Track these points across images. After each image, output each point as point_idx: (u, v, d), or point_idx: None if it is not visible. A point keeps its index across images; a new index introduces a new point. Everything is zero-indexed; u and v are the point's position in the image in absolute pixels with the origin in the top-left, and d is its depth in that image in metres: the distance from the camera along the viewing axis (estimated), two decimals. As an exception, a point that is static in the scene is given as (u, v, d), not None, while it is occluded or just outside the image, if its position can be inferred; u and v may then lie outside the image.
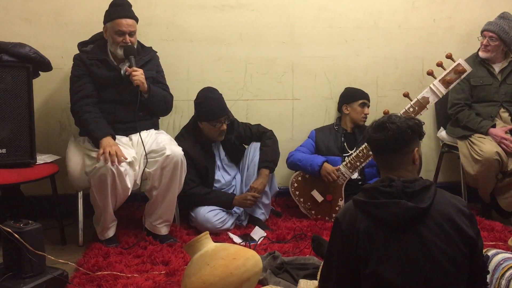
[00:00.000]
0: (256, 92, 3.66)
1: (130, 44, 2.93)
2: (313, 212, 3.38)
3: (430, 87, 3.16)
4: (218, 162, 3.31)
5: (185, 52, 3.51)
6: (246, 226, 3.21)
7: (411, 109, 3.15)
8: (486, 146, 3.24)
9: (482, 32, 3.47)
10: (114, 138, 2.82)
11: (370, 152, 3.08)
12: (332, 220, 3.03)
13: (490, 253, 2.08)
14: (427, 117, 3.75)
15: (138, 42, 3.09)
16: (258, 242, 2.90)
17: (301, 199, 3.39)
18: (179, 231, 3.09)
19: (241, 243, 2.89)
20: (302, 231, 3.09)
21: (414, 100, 3.16)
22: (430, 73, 3.17)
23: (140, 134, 2.93)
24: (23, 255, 2.17)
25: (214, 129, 3.15)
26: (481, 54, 3.48)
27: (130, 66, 2.92)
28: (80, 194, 2.97)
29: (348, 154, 3.39)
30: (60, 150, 3.20)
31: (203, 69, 3.55)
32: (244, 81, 3.63)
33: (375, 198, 1.61)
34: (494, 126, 3.35)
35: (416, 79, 3.79)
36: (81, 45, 3.05)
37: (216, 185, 3.27)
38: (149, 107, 3.03)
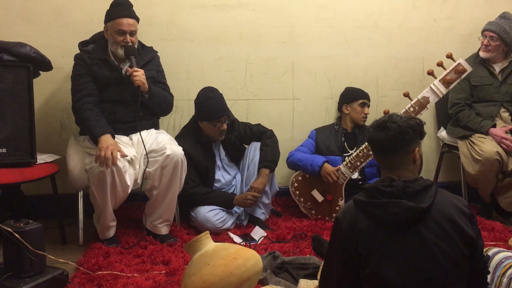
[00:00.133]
0: (256, 91, 3.66)
1: (130, 44, 2.93)
2: (313, 212, 3.38)
3: (431, 87, 3.16)
4: (218, 162, 3.31)
5: (186, 52, 3.51)
6: (246, 226, 3.21)
7: (412, 109, 3.15)
8: (487, 146, 3.24)
9: (482, 32, 3.47)
10: (113, 137, 2.82)
11: (371, 152, 3.09)
12: (332, 220, 3.03)
13: (491, 252, 2.09)
14: (427, 117, 3.76)
15: (139, 42, 3.09)
16: (258, 242, 2.90)
17: (301, 199, 3.39)
18: (179, 230, 3.09)
19: (241, 243, 2.89)
20: (302, 231, 3.09)
21: (415, 100, 3.16)
22: (431, 73, 3.17)
23: (140, 134, 2.93)
24: (24, 255, 2.17)
25: (215, 128, 3.15)
26: (481, 54, 3.48)
27: (131, 66, 2.92)
28: (81, 194, 2.97)
29: (349, 154, 3.39)
30: (60, 149, 3.20)
31: (203, 69, 3.55)
32: (244, 81, 3.63)
33: (375, 198, 1.61)
34: (494, 126, 3.35)
35: (417, 79, 3.79)
36: (82, 44, 3.05)
37: (216, 184, 3.27)
38: (149, 107, 3.03)
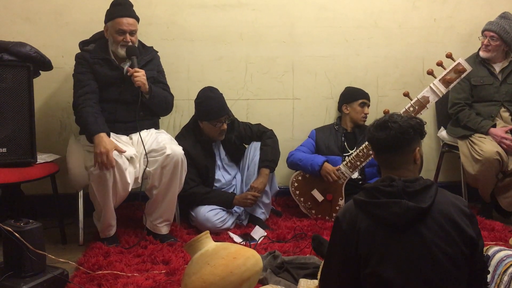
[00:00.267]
0: (256, 91, 3.66)
1: (131, 43, 2.93)
2: (313, 211, 3.38)
3: (430, 87, 3.16)
4: (219, 162, 3.31)
5: (186, 52, 3.51)
6: (247, 226, 3.21)
7: (411, 109, 3.15)
8: (487, 146, 3.24)
9: (483, 32, 3.47)
10: (109, 136, 2.80)
11: (371, 152, 3.09)
12: (333, 219, 3.03)
13: (492, 250, 2.09)
14: (427, 117, 3.76)
15: (139, 41, 3.09)
16: (259, 242, 2.90)
17: (302, 199, 3.39)
18: (179, 230, 3.09)
19: (242, 243, 2.89)
20: (302, 230, 3.09)
21: (414, 100, 3.16)
22: (430, 73, 3.17)
23: (140, 134, 2.93)
24: (24, 254, 2.17)
25: (215, 128, 3.15)
26: (481, 53, 3.48)
27: (132, 67, 2.92)
28: (81, 193, 2.97)
29: (349, 153, 3.39)
30: (60, 149, 3.20)
31: (203, 69, 3.55)
32: (244, 81, 3.63)
33: (375, 198, 1.61)
34: (494, 126, 3.35)
35: (417, 78, 3.79)
36: (82, 44, 3.05)
37: (217, 184, 3.27)
38: (150, 107, 3.03)
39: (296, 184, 3.40)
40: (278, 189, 3.43)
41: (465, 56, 3.40)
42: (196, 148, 3.17)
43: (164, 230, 2.98)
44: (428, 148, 3.90)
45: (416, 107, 3.15)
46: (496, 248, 2.10)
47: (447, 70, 3.16)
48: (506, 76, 3.47)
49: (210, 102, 3.12)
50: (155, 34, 3.42)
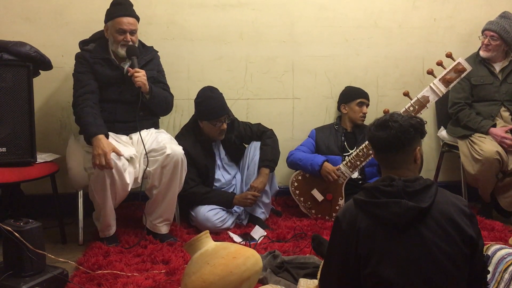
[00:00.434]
0: (256, 91, 3.66)
1: (131, 43, 2.93)
2: (313, 211, 3.38)
3: (430, 86, 3.16)
4: (218, 161, 3.31)
5: (186, 51, 3.51)
6: (246, 225, 3.21)
7: (411, 108, 3.15)
8: (487, 145, 3.24)
9: (483, 31, 3.47)
10: (107, 137, 2.79)
11: (370, 151, 3.09)
12: (332, 219, 3.03)
13: (493, 248, 2.09)
14: (427, 117, 3.76)
15: (139, 41, 3.08)
16: (258, 241, 2.90)
17: (301, 198, 3.39)
18: (179, 230, 3.09)
19: (241, 242, 2.89)
20: (302, 230, 3.09)
21: (414, 99, 3.16)
22: (430, 72, 3.17)
23: (140, 133, 2.93)
24: (23, 254, 2.17)
25: (214, 128, 3.15)
26: (482, 53, 3.47)
27: (132, 67, 2.92)
28: (80, 193, 2.97)
29: (348, 153, 3.39)
30: (60, 149, 3.20)
31: (203, 68, 3.55)
32: (244, 80, 3.63)
33: (375, 198, 1.61)
34: (494, 125, 3.35)
35: (417, 78, 3.79)
36: (82, 43, 3.04)
37: (216, 184, 3.27)
38: (150, 107, 3.03)
39: (296, 184, 3.40)
40: (278, 188, 3.43)
41: (465, 56, 3.39)
42: (196, 147, 3.17)
43: (164, 229, 2.98)
44: (428, 148, 3.90)
45: (416, 107, 3.15)
46: (497, 246, 2.10)
47: (447, 69, 3.16)
48: (506, 76, 3.47)
49: (210, 101, 3.12)
50: (155, 33, 3.42)
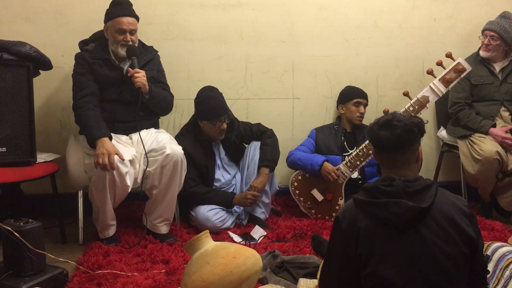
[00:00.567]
0: (256, 91, 3.66)
1: (131, 42, 2.93)
2: (313, 211, 3.38)
3: (430, 86, 3.16)
4: (218, 161, 3.31)
5: (186, 51, 3.51)
6: (246, 225, 3.21)
7: (411, 108, 3.15)
8: (486, 145, 3.24)
9: (483, 31, 3.47)
10: (111, 139, 2.79)
11: (370, 151, 3.09)
12: (332, 219, 3.03)
13: (493, 246, 2.09)
14: (427, 116, 3.75)
15: (139, 41, 3.08)
16: (258, 241, 2.90)
17: (301, 198, 3.39)
18: (179, 230, 3.09)
19: (241, 242, 2.89)
20: (302, 230, 3.09)
21: (414, 99, 3.16)
22: (430, 72, 3.17)
23: (139, 134, 2.93)
24: (23, 254, 2.17)
25: (214, 128, 3.15)
26: (482, 53, 3.48)
27: (132, 67, 2.92)
28: (80, 193, 2.97)
29: (348, 153, 3.39)
30: (60, 148, 3.20)
31: (203, 68, 3.55)
32: (244, 80, 3.63)
33: (375, 198, 1.61)
34: (494, 125, 3.35)
35: (417, 78, 3.79)
36: (82, 43, 3.04)
37: (216, 184, 3.28)
38: (150, 107, 3.03)
39: (296, 184, 3.40)
40: (278, 188, 3.43)
41: (465, 56, 3.39)
42: (196, 147, 3.17)
43: (163, 229, 2.98)
44: (428, 148, 3.90)
45: (416, 107, 3.15)
46: (498, 244, 2.11)
47: (447, 69, 3.16)
48: (506, 76, 3.47)
49: (210, 101, 3.12)
50: (155, 33, 3.42)
